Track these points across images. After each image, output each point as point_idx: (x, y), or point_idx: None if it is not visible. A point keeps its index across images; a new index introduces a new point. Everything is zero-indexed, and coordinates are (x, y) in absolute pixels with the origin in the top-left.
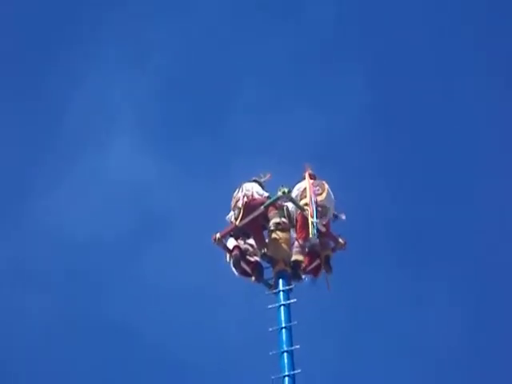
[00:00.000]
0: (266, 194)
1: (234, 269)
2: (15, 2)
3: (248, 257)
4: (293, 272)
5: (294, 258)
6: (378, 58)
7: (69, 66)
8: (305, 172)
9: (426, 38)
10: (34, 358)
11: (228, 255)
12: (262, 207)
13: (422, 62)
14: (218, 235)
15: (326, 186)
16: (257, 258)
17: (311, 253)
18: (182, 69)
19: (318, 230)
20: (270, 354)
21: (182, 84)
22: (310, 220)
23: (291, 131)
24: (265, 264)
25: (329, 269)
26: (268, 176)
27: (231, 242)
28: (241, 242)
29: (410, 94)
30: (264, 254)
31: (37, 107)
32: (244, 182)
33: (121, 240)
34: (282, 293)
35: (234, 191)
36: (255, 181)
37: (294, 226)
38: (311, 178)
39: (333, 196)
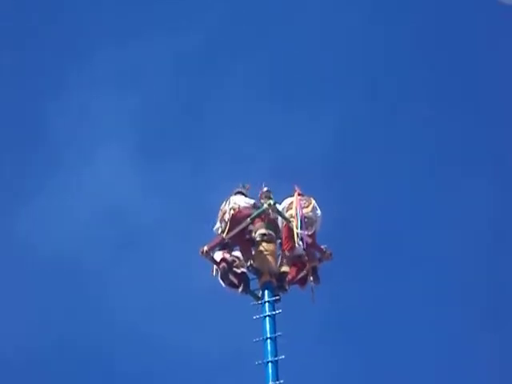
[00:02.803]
0: (253, 201)
1: (221, 281)
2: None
3: (235, 268)
4: (278, 283)
5: (279, 269)
6: None
7: (54, 78)
8: (294, 191)
9: None
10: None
11: (215, 267)
12: (249, 219)
13: None
14: (205, 248)
15: (313, 200)
16: (243, 270)
17: (297, 264)
18: (168, 88)
19: (303, 240)
20: (256, 363)
21: (167, 102)
22: (295, 231)
23: (267, 153)
24: (251, 275)
25: (316, 280)
26: (247, 187)
27: (218, 255)
28: (227, 255)
29: None
30: (250, 265)
31: (19, 118)
32: (231, 195)
33: (97, 254)
34: (267, 304)
35: (221, 204)
36: (239, 192)
37: (281, 238)
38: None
39: (319, 211)
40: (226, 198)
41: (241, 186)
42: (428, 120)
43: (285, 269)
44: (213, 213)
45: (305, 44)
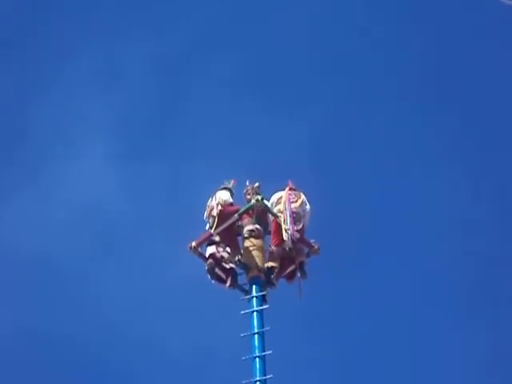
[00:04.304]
0: (230, 201)
1: (209, 276)
2: None
3: (224, 264)
4: (266, 278)
5: (267, 264)
6: None
7: (38, 76)
8: (286, 186)
9: None
10: None
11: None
12: (236, 215)
13: None
14: (193, 244)
15: (302, 195)
16: (232, 265)
17: (285, 259)
18: (150, 89)
19: (291, 236)
20: (243, 359)
21: (149, 102)
22: (283, 226)
23: (247, 152)
24: (239, 270)
25: (303, 274)
26: (232, 182)
27: (211, 249)
28: (220, 249)
29: None
30: (238, 260)
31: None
32: (217, 191)
33: (71, 257)
34: (255, 299)
35: (208, 200)
36: (225, 188)
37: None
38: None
39: (308, 205)
40: (212, 193)
41: (226, 182)
42: (409, 117)
43: (273, 264)
44: (193, 210)
45: (285, 43)
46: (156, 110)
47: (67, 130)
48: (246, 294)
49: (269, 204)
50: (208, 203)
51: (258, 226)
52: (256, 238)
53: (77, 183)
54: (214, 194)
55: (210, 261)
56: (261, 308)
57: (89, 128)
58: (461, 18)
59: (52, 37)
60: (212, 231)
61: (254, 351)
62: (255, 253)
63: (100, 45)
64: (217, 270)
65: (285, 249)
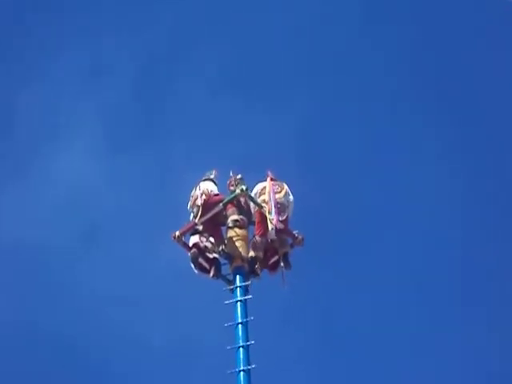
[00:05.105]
0: (216, 191)
1: (192, 266)
2: None
3: (207, 254)
4: (250, 268)
5: (251, 254)
6: None
7: (19, 71)
8: (267, 176)
9: None
10: None
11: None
12: (221, 205)
13: None
14: (177, 233)
15: (285, 186)
16: (215, 255)
17: (269, 249)
18: (135, 84)
19: (275, 226)
20: (228, 348)
21: (135, 96)
22: (268, 216)
23: (230, 146)
24: (223, 260)
25: (288, 265)
26: (214, 172)
27: (194, 239)
28: (203, 239)
29: None
30: (222, 250)
31: None
32: (200, 181)
33: (57, 249)
34: (238, 289)
35: (192, 190)
36: (208, 179)
37: (253, 223)
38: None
39: (291, 196)
40: (196, 184)
41: (208, 173)
42: (409, 117)
43: (257, 254)
44: (177, 203)
45: (272, 40)
46: (140, 105)
47: (53, 126)
48: (230, 284)
49: (252, 194)
50: (192, 193)
51: (242, 216)
52: (240, 228)
53: (62, 178)
54: (198, 184)
55: (194, 250)
56: (244, 298)
57: (74, 123)
58: (461, 18)
59: (38, 34)
60: (196, 221)
61: (238, 341)
62: (239, 243)
63: (85, 42)
64: (200, 259)
65: (268, 239)
